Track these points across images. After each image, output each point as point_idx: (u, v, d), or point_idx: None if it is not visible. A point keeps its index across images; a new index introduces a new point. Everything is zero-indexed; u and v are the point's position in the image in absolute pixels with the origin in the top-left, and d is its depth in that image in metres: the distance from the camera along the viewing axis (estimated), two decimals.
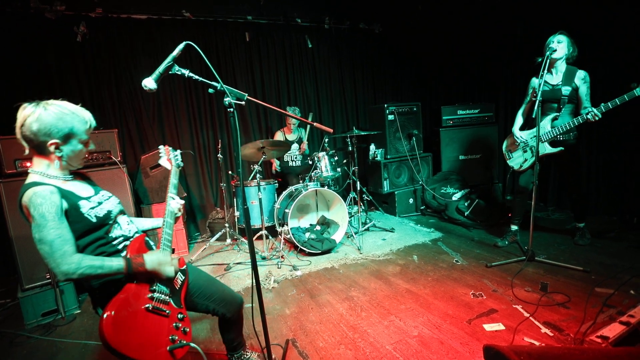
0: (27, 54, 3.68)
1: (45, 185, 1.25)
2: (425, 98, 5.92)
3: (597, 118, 2.66)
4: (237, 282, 3.12)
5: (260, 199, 3.52)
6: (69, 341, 2.42)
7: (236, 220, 4.14)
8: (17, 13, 3.64)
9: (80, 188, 1.41)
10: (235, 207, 4.18)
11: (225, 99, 1.47)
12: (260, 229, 3.72)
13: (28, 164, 2.73)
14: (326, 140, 4.02)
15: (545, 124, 3.00)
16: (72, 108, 1.33)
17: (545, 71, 2.63)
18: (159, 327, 1.29)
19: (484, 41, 5.02)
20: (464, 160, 4.92)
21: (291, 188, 3.99)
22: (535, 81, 3.09)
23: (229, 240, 4.07)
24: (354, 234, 3.90)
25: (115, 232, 1.41)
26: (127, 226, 1.48)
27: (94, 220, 1.33)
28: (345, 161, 4.66)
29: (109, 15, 4.04)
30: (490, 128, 4.92)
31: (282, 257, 3.52)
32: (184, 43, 1.41)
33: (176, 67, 1.43)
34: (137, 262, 1.31)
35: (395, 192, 4.78)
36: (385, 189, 4.80)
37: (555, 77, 2.99)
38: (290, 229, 3.58)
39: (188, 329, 1.39)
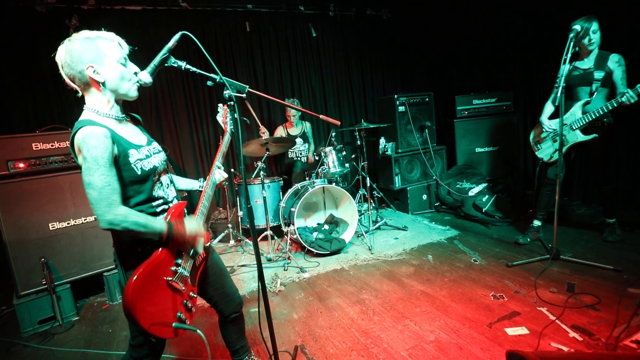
0: (17, 50, 3.71)
1: (100, 126, 1.26)
2: (438, 88, 5.85)
3: (632, 101, 2.61)
4: (241, 286, 3.11)
5: (264, 198, 3.51)
6: (67, 350, 2.44)
7: (240, 220, 4.14)
8: (6, 7, 3.67)
9: (132, 133, 1.42)
10: (239, 207, 4.19)
11: (225, 92, 1.45)
12: (265, 229, 3.71)
13: (21, 165, 2.75)
14: (333, 134, 3.99)
15: (576, 111, 2.95)
16: (95, 32, 1.35)
17: (569, 55, 2.56)
18: (172, 302, 1.34)
19: (500, 25, 4.93)
20: (480, 152, 4.87)
21: (297, 185, 3.98)
22: (564, 68, 3.04)
23: (232, 242, 4.08)
24: (364, 233, 3.87)
25: (157, 192, 1.43)
26: (168, 189, 1.50)
27: (139, 172, 1.34)
28: (353, 156, 4.64)
29: (101, 7, 4.05)
30: (508, 118, 4.86)
31: (288, 258, 3.51)
32: (179, 33, 1.39)
33: (172, 59, 1.42)
34: (178, 231, 1.35)
35: (408, 188, 4.76)
36: (397, 185, 4.77)
37: (586, 62, 2.98)
38: (297, 228, 3.57)
39: (194, 309, 1.44)
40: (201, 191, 1.65)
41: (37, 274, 2.76)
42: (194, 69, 1.46)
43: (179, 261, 1.39)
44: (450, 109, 4.95)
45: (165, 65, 1.42)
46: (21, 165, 2.76)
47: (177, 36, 1.39)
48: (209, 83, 1.48)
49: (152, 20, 4.27)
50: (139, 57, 4.35)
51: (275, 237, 3.72)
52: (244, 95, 1.49)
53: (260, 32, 4.87)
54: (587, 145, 3.00)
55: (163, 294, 1.31)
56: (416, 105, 4.82)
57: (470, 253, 3.31)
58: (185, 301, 1.39)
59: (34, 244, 2.76)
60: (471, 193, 4.42)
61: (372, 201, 4.37)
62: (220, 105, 1.85)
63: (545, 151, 3.22)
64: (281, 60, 5.05)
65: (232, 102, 1.47)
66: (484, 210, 4.16)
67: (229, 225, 4.08)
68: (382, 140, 4.92)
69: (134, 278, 1.22)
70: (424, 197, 4.87)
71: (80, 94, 1.35)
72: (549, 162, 3.21)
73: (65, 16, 3.87)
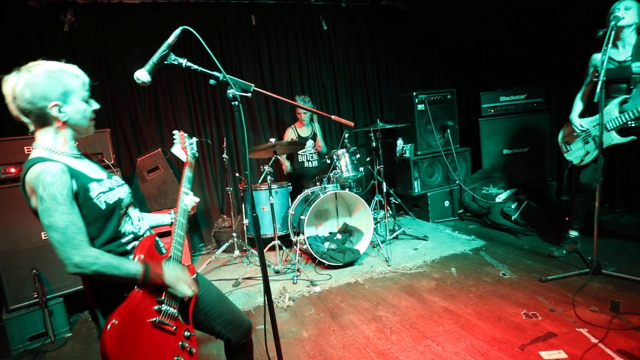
0: (9, 47, 3.78)
1: (54, 162, 1.23)
2: (460, 84, 5.81)
3: None
4: (246, 300, 3.11)
5: (271, 205, 3.51)
6: None
7: (245, 229, 4.14)
8: None
9: (90, 169, 1.40)
10: (244, 214, 4.19)
11: (228, 91, 1.45)
12: (272, 239, 3.70)
13: (12, 170, 2.80)
14: (346, 135, 3.98)
15: (612, 109, 2.87)
16: (57, 65, 1.33)
17: (610, 45, 2.50)
18: (164, 345, 1.29)
19: (530, 12, 4.86)
20: (509, 154, 4.83)
21: (307, 191, 3.97)
22: (597, 58, 2.96)
23: (237, 252, 4.08)
24: (380, 243, 3.84)
25: (126, 227, 1.40)
26: (138, 222, 1.47)
27: (103, 207, 1.31)
28: (368, 159, 4.62)
29: (98, 1, 4.13)
30: (540, 116, 4.80)
31: (297, 270, 3.50)
32: (180, 28, 1.39)
33: (172, 56, 1.42)
34: (156, 273, 1.31)
35: (428, 194, 4.73)
36: (416, 191, 4.74)
37: (622, 52, 2.86)
38: (307, 238, 3.56)
39: (195, 350, 1.39)
40: (172, 224, 1.62)
41: (28, 287, 2.80)
42: (196, 67, 1.46)
43: (163, 299, 1.35)
44: (474, 107, 4.91)
45: (165, 62, 1.41)
46: (12, 170, 2.81)
47: (177, 31, 1.40)
48: (212, 82, 1.48)
49: (152, 15, 4.33)
50: (138, 53, 4.41)
51: (284, 248, 3.71)
52: (249, 94, 1.48)
53: (267, 25, 4.90)
54: (625, 148, 2.91)
55: (151, 338, 1.25)
56: (437, 103, 4.78)
57: (499, 266, 3.26)
58: (181, 342, 1.35)
59: (25, 255, 2.80)
60: (498, 199, 4.38)
61: (389, 208, 4.34)
62: (175, 132, 1.84)
63: (575, 153, 3.15)
64: (290, 56, 5.07)
65: (236, 102, 1.46)
66: (513, 218, 4.10)
67: (234, 234, 4.09)
68: (400, 142, 4.89)
69: (109, 326, 1.15)
70: (446, 203, 4.83)
71: (31, 129, 1.32)
72: (580, 166, 3.14)
73: (60, 11, 3.95)
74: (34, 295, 2.79)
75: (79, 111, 1.33)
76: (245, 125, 1.46)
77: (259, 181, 4.26)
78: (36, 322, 2.79)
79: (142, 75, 1.39)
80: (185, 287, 1.40)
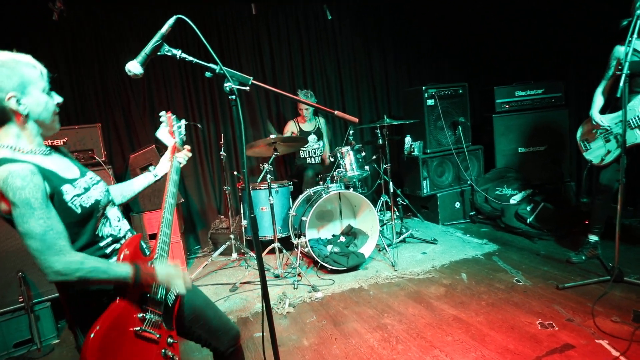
0: None
1: (22, 162, 1.18)
2: (473, 78, 5.75)
3: None
4: (244, 306, 3.11)
5: (271, 205, 3.51)
6: None
7: (243, 230, 4.15)
8: None
9: (62, 166, 1.35)
10: (242, 215, 4.19)
11: (225, 84, 1.44)
12: (272, 241, 3.70)
13: None
14: (351, 132, 3.97)
15: (636, 105, 2.84)
16: (9, 55, 1.27)
17: (635, 36, 2.47)
18: (146, 354, 1.29)
19: (548, 1, 4.82)
20: (524, 153, 4.82)
21: (309, 191, 3.97)
22: (620, 50, 2.93)
23: (235, 255, 4.08)
24: (386, 247, 3.83)
25: (104, 230, 1.38)
26: (117, 223, 1.45)
27: (78, 211, 1.27)
28: (374, 157, 4.60)
29: None
30: (558, 112, 4.79)
31: (298, 275, 3.50)
32: (174, 17, 1.38)
33: (166, 47, 1.42)
34: (147, 273, 1.30)
35: (438, 195, 4.72)
36: (425, 191, 4.73)
37: None
38: (309, 240, 3.55)
39: (177, 358, 1.39)
40: (159, 180, 1.63)
41: (13, 290, 2.78)
42: (190, 58, 1.45)
43: (146, 306, 1.34)
44: (488, 103, 4.90)
45: (158, 54, 1.41)
46: None
47: (171, 20, 1.39)
48: (208, 74, 1.47)
49: (146, 3, 4.32)
50: (131, 45, 4.40)
51: (284, 251, 3.71)
52: (248, 88, 1.47)
53: (267, 15, 4.89)
54: None
55: (133, 348, 1.25)
56: (448, 98, 4.77)
57: (512, 272, 3.25)
58: (163, 350, 1.34)
59: (10, 256, 2.78)
60: (513, 201, 4.36)
61: (395, 209, 4.33)
62: (162, 113, 1.78)
63: (595, 152, 3.13)
64: (292, 48, 5.06)
65: (234, 97, 1.45)
66: (528, 221, 4.09)
67: (232, 236, 4.08)
68: (408, 139, 4.88)
69: (92, 336, 1.14)
70: (457, 205, 4.82)
71: None
72: (601, 165, 3.11)
73: None
74: (20, 300, 2.78)
75: (40, 103, 1.28)
76: (243, 121, 1.45)
77: (258, 180, 4.25)
78: (22, 327, 2.79)
79: (133, 67, 1.38)
80: (180, 283, 1.39)
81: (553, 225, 4.01)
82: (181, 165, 1.72)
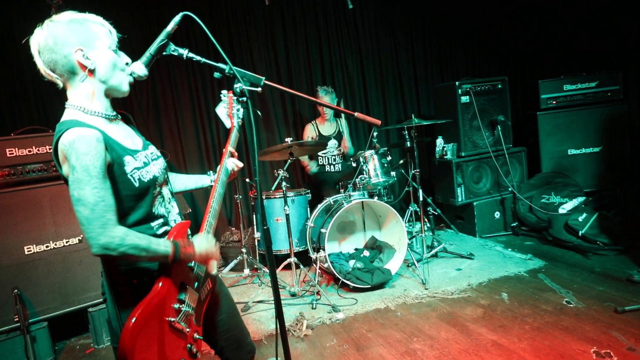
0: None
1: (90, 127, 1.30)
2: (513, 70, 5.74)
3: None
4: (257, 328, 3.15)
5: (287, 215, 3.54)
6: None
7: (256, 243, 4.19)
8: None
9: (125, 135, 1.47)
10: (255, 227, 4.24)
11: (235, 86, 1.49)
12: (288, 256, 3.73)
13: None
14: (375, 134, 3.97)
15: None
16: (82, 14, 1.42)
17: None
18: (174, 347, 1.38)
19: None
20: (575, 155, 4.77)
21: (329, 200, 3.99)
22: None
23: (247, 271, 4.14)
24: (416, 262, 3.82)
25: (158, 208, 1.48)
26: (170, 204, 1.57)
27: (137, 184, 1.38)
28: (402, 162, 4.60)
29: None
30: (616, 107, 4.73)
31: (317, 293, 3.51)
32: (180, 14, 1.45)
33: (172, 47, 1.48)
34: (186, 253, 1.39)
35: (474, 204, 4.69)
36: (460, 199, 4.71)
37: None
38: (329, 255, 3.57)
39: (200, 355, 1.48)
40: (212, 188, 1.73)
41: (8, 309, 2.88)
42: (198, 58, 1.51)
43: (183, 296, 1.42)
44: (531, 98, 4.86)
45: (164, 54, 1.47)
46: None
47: (177, 18, 1.45)
48: (217, 75, 1.53)
49: None
50: (134, 45, 4.53)
51: (301, 266, 3.73)
52: (260, 89, 1.52)
53: (282, 6, 4.97)
54: None
55: (164, 338, 1.34)
56: (485, 94, 4.75)
57: (562, 292, 3.20)
58: (189, 345, 1.43)
59: (5, 272, 2.90)
60: (562, 210, 4.32)
61: (426, 220, 4.31)
62: (224, 92, 1.88)
63: None
64: (309, 42, 5.13)
65: (244, 98, 1.50)
66: (580, 233, 4.02)
67: (243, 250, 4.14)
68: (440, 141, 4.87)
69: (133, 321, 1.23)
70: (497, 215, 4.78)
71: (61, 86, 1.41)
72: None
73: None
74: (15, 319, 2.86)
75: (107, 59, 1.39)
76: (254, 126, 1.50)
77: (273, 188, 4.30)
78: (17, 349, 2.85)
79: (138, 68, 1.45)
80: (214, 264, 1.55)
81: (611, 238, 3.92)
82: (229, 172, 1.83)
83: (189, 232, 1.57)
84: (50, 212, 3.06)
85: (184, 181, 1.80)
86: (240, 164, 1.83)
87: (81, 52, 1.34)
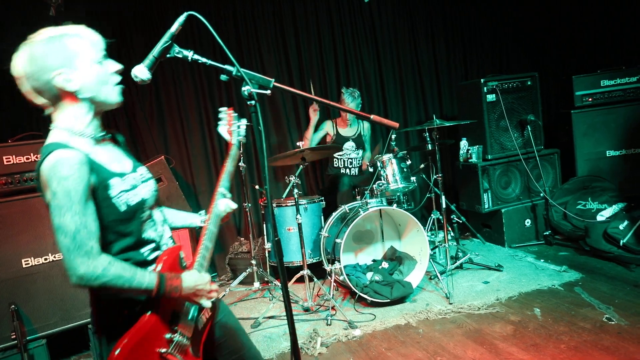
0: None
1: (72, 150, 1.30)
2: (545, 66, 5.69)
3: None
4: (268, 345, 3.17)
5: (299, 225, 3.56)
6: None
7: (267, 255, 4.22)
8: None
9: (112, 158, 1.48)
10: (265, 236, 4.27)
11: (243, 89, 1.51)
12: (300, 268, 3.75)
13: None
14: (393, 136, 3.98)
15: None
16: (60, 29, 1.44)
17: None
18: None
19: None
20: (615, 157, 4.75)
21: (344, 208, 4.00)
22: None
23: (257, 284, 4.16)
24: (439, 275, 3.81)
25: (147, 233, 1.49)
26: (161, 228, 1.58)
27: (123, 208, 1.39)
28: (422, 166, 4.59)
29: None
30: None
31: (332, 308, 3.51)
32: (185, 14, 1.48)
33: (176, 48, 1.51)
34: (172, 286, 1.39)
35: (502, 210, 4.68)
36: (487, 206, 4.69)
37: None
38: (344, 267, 3.58)
39: None
40: (202, 228, 1.70)
41: (5, 326, 2.92)
42: (204, 60, 1.54)
43: (176, 327, 1.43)
44: (564, 96, 4.84)
45: (168, 56, 1.50)
46: None
47: (181, 18, 1.48)
48: (223, 77, 1.56)
49: None
50: (136, 47, 4.57)
51: (315, 279, 3.75)
52: (269, 92, 1.54)
53: (292, 2, 5.02)
54: None
55: None
56: (513, 91, 4.74)
57: (602, 307, 3.17)
58: None
59: (1, 286, 2.95)
60: (601, 217, 4.29)
61: (450, 229, 4.29)
62: (222, 109, 1.92)
63: None
64: (322, 38, 5.16)
65: (252, 102, 1.52)
66: (622, 242, 3.97)
67: (253, 262, 4.17)
68: (464, 143, 4.86)
69: (117, 353, 1.24)
70: (528, 222, 4.76)
71: (50, 110, 1.43)
72: None
73: None
74: (12, 336, 2.89)
75: (91, 77, 1.41)
76: (264, 127, 1.52)
77: (284, 195, 4.33)
78: None
79: (140, 72, 1.48)
80: (203, 299, 1.49)
81: None
82: (222, 215, 1.78)
83: (182, 256, 1.58)
84: (50, 222, 3.09)
85: (171, 217, 1.78)
86: (234, 205, 1.80)
87: (62, 77, 1.35)
